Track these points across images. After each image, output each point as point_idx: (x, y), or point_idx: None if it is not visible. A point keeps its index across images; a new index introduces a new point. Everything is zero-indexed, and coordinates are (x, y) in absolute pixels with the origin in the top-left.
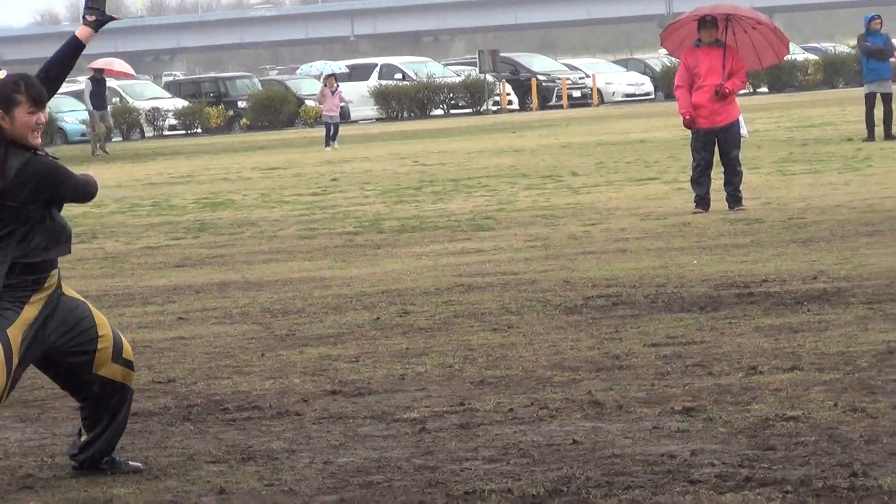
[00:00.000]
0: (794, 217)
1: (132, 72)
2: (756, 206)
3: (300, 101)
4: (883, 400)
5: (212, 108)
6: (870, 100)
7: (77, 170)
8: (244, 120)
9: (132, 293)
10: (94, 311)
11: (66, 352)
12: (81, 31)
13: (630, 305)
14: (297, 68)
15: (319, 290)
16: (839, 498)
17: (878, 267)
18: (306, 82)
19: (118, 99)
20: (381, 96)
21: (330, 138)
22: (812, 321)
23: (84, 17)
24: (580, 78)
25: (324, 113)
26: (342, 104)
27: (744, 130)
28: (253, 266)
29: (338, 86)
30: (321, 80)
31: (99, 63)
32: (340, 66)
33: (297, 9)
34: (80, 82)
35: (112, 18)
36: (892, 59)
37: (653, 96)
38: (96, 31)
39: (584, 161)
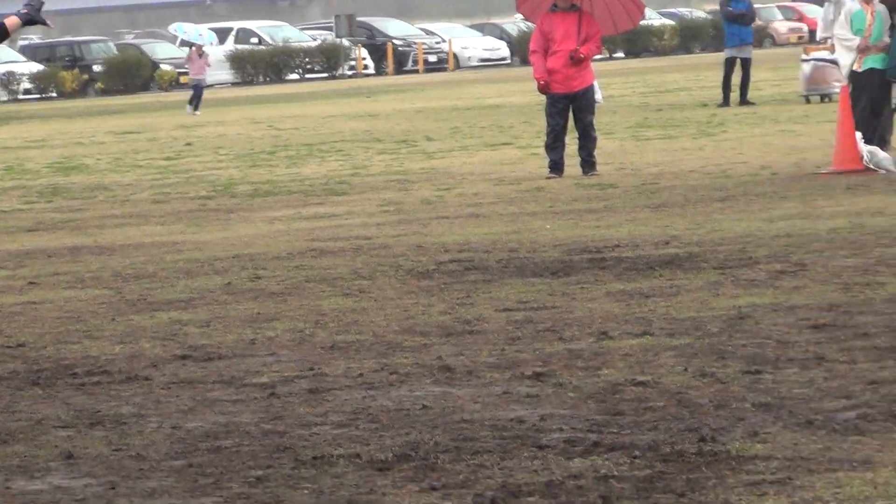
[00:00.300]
0: (647, 182)
1: None
2: (610, 171)
3: (155, 65)
4: (732, 365)
5: (67, 72)
6: (729, 64)
7: None
8: (99, 84)
9: None
10: None
11: None
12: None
13: (482, 270)
14: (156, 31)
15: (171, 255)
16: (687, 463)
17: (730, 232)
18: (161, 46)
19: None
20: (236, 61)
21: (194, 101)
22: (663, 286)
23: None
24: (436, 43)
25: (191, 76)
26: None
27: (598, 96)
28: (105, 230)
29: (205, 49)
30: (177, 44)
31: None
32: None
33: None
34: None
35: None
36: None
37: (509, 61)
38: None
39: (439, 126)
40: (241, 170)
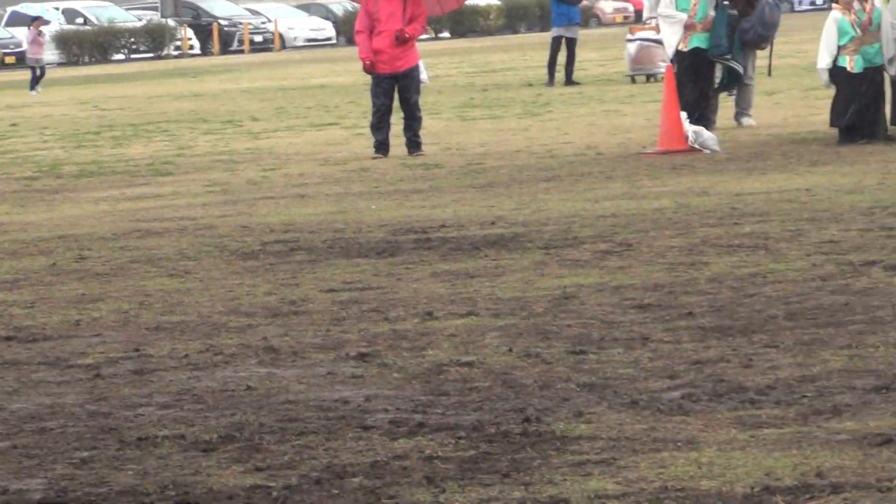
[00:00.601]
0: (473, 162)
1: None
2: (436, 151)
3: None
4: (557, 345)
5: None
6: (556, 44)
7: None
8: None
9: None
10: None
11: None
12: None
13: (307, 251)
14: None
15: None
16: (512, 443)
17: (555, 212)
18: None
19: None
20: (62, 41)
21: (35, 81)
22: (489, 266)
23: None
24: (262, 23)
25: (28, 56)
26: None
27: (424, 76)
28: None
29: (42, 29)
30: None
31: None
32: (48, 9)
33: None
34: None
35: None
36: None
37: (334, 41)
38: None
39: (265, 106)
40: (66, 150)
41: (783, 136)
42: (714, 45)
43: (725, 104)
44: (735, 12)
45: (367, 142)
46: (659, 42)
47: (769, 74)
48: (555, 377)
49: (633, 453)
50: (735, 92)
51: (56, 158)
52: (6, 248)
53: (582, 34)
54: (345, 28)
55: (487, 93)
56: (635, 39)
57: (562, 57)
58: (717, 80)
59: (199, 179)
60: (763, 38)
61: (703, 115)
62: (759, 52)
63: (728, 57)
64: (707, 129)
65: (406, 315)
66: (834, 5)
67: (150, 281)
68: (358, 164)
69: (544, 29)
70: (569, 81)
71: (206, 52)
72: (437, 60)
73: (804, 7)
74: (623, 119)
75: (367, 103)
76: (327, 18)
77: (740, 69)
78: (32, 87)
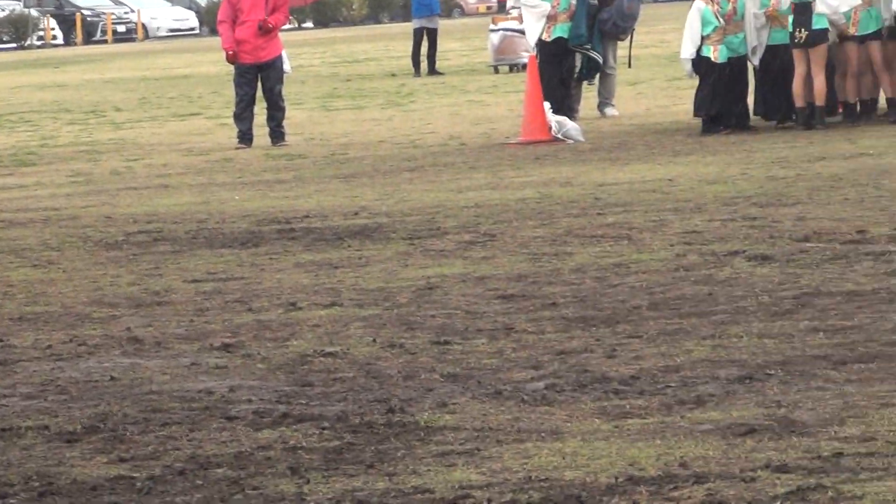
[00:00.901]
0: (336, 153)
1: None
2: (299, 141)
3: None
4: (421, 336)
5: None
6: (418, 35)
7: None
8: None
9: None
10: None
11: None
12: None
13: (171, 241)
14: None
15: None
16: (376, 434)
17: (418, 202)
18: None
19: None
20: None
21: None
22: (353, 257)
23: None
24: (125, 13)
25: None
26: None
27: (287, 66)
28: None
29: None
30: None
31: None
32: None
33: None
34: None
35: None
36: None
37: (198, 31)
38: None
39: (128, 96)
40: None
41: (646, 127)
42: (574, 35)
43: (588, 94)
44: (595, 2)
45: (230, 132)
46: (522, 32)
47: (629, 66)
48: (419, 368)
49: (496, 444)
50: (594, 81)
51: None
52: None
53: (445, 24)
54: (208, 18)
55: (351, 83)
56: (498, 30)
57: (425, 47)
58: (577, 70)
59: (62, 170)
60: (622, 29)
61: (566, 105)
62: (621, 43)
63: (588, 46)
64: (570, 119)
65: (270, 305)
66: None
67: (14, 272)
68: (221, 155)
69: (407, 19)
70: (432, 71)
71: (69, 42)
72: (300, 51)
73: None
74: (486, 109)
75: (230, 93)
76: (190, 8)
77: (599, 59)
78: None
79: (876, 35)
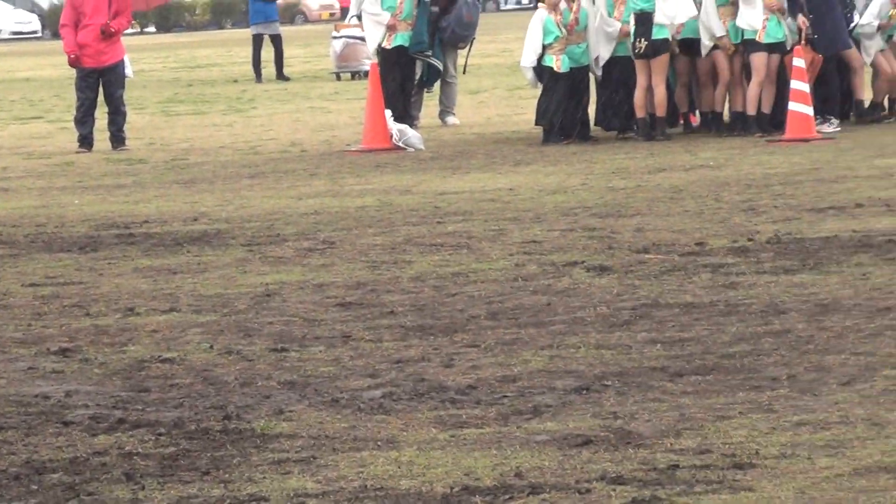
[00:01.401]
0: (177, 158)
1: None
2: (140, 146)
3: None
4: (259, 342)
5: None
6: (257, 41)
7: None
8: None
9: None
10: None
11: None
12: None
13: (9, 245)
14: None
15: None
16: (212, 440)
17: (258, 209)
18: None
19: None
20: None
21: None
22: (191, 263)
23: None
24: None
25: None
26: None
27: (129, 70)
28: None
29: None
30: None
31: None
32: None
33: None
34: None
35: None
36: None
37: (40, 34)
38: None
39: None
40: None
41: (487, 136)
42: (415, 42)
43: (430, 102)
44: (436, 9)
45: (71, 136)
46: (364, 39)
47: (464, 72)
48: (256, 374)
49: (333, 452)
50: (431, 90)
51: None
52: None
53: (288, 31)
54: (51, 21)
55: (192, 88)
56: (341, 37)
57: (269, 54)
58: (418, 77)
59: None
60: (461, 37)
61: (407, 112)
62: (461, 51)
63: (429, 54)
64: (411, 127)
65: (108, 310)
66: (540, 4)
67: None
68: (62, 159)
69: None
70: (280, 77)
71: None
72: (142, 55)
73: (510, 6)
74: (328, 116)
75: (71, 97)
76: (33, 11)
77: (440, 66)
78: None
79: (751, 46)
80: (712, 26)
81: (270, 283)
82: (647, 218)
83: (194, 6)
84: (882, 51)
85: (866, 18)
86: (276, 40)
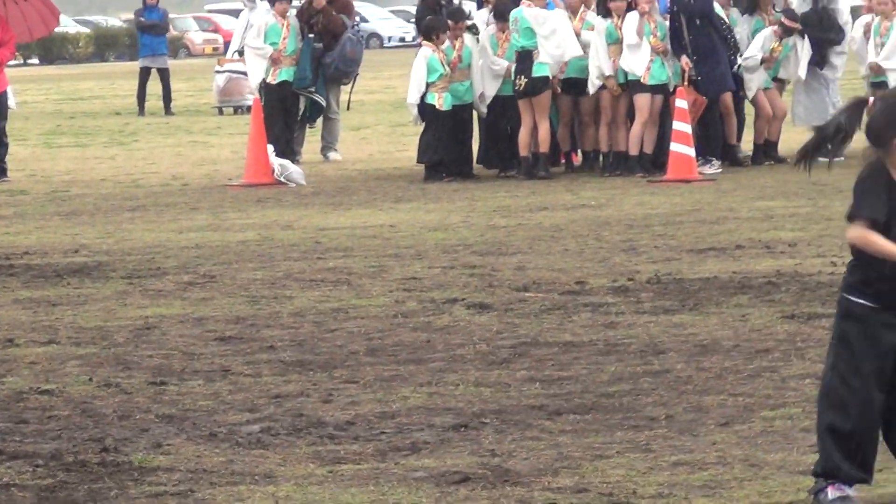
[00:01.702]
0: (58, 190)
1: None
2: (21, 177)
3: None
4: (138, 375)
5: None
6: (143, 74)
7: None
8: None
9: None
10: None
11: None
12: None
13: None
14: None
15: None
16: (90, 473)
17: (139, 242)
18: None
19: None
20: None
21: None
22: (71, 295)
23: None
24: None
25: None
26: None
27: (11, 101)
28: None
29: None
30: None
31: None
32: None
33: None
34: None
35: None
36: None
37: None
38: None
39: None
40: None
41: (369, 172)
42: (299, 78)
43: (312, 138)
44: (320, 45)
45: None
46: (247, 74)
47: (347, 109)
48: (134, 407)
49: (210, 486)
50: (313, 125)
51: None
52: None
53: (172, 64)
54: None
55: (75, 120)
56: (224, 71)
57: (156, 87)
58: (300, 113)
59: None
60: (344, 73)
61: (289, 148)
62: (344, 87)
63: (312, 89)
64: (293, 162)
65: None
66: (424, 42)
67: None
68: None
69: (133, 58)
70: (168, 112)
71: None
72: (25, 86)
73: (394, 43)
74: (210, 150)
75: None
76: None
77: (323, 102)
78: None
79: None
80: (602, 65)
81: (150, 316)
82: (527, 256)
83: (78, 39)
84: (766, 89)
85: (750, 51)
86: (164, 74)
